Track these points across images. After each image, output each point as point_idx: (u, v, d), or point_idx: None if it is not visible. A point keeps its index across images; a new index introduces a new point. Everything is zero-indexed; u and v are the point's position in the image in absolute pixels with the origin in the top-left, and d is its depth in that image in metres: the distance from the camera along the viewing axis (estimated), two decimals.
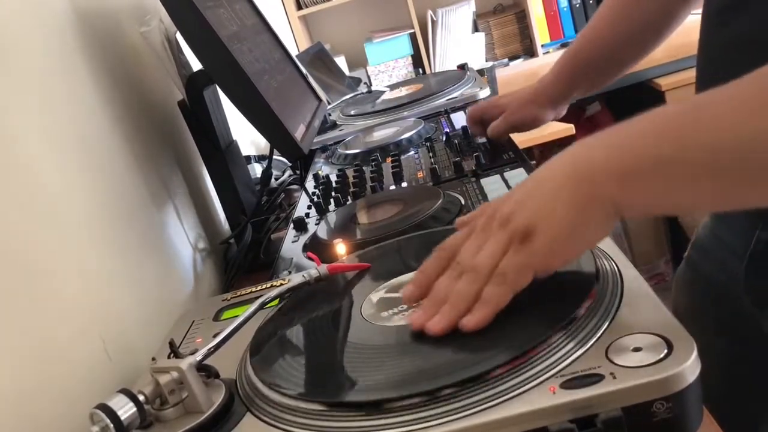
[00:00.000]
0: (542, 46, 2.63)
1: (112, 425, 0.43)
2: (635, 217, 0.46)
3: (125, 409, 0.44)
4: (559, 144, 2.45)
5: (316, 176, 1.06)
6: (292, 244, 0.82)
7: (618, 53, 0.89)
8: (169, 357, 0.50)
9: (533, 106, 0.94)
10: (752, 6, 0.60)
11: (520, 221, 0.46)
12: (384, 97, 1.47)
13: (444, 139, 1.06)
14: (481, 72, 1.47)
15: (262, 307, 0.55)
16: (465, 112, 1.21)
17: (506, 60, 2.67)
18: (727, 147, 0.40)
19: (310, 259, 0.73)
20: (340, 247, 0.70)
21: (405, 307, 0.52)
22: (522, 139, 1.72)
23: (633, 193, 0.43)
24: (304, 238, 0.82)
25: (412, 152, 1.06)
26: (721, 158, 0.40)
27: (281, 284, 0.60)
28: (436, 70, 2.61)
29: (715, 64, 0.67)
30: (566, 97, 0.94)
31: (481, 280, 0.46)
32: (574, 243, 0.45)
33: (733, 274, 0.69)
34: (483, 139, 0.99)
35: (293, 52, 1.53)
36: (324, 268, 0.60)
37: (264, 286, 0.67)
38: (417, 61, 2.69)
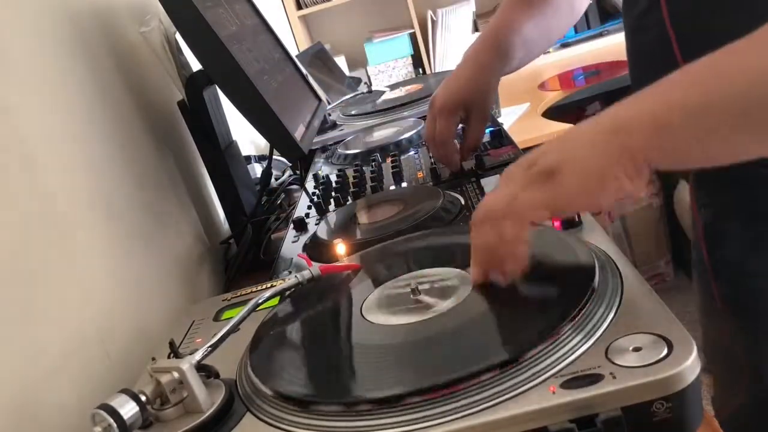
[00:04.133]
0: None
1: (115, 425, 0.43)
2: (668, 168, 0.46)
3: (127, 409, 0.44)
4: None
5: (316, 176, 1.06)
6: (292, 244, 0.82)
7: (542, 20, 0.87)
8: (169, 357, 0.50)
9: (494, 89, 0.86)
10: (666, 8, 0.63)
11: (548, 160, 0.46)
12: (384, 97, 1.47)
13: None
14: None
15: (255, 308, 0.55)
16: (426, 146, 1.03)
17: None
18: (750, 90, 0.41)
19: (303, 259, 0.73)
20: (340, 247, 0.70)
21: (405, 307, 0.52)
22: (522, 139, 1.72)
23: (666, 144, 0.43)
24: (304, 238, 0.82)
25: (412, 152, 1.06)
26: (746, 101, 0.41)
27: (273, 286, 0.60)
28: (436, 70, 2.61)
29: (644, 64, 0.70)
30: (500, 74, 0.86)
31: (498, 223, 0.46)
32: (597, 188, 0.45)
33: (700, 256, 0.71)
34: (484, 139, 0.98)
35: (293, 52, 1.53)
36: (316, 268, 0.61)
37: (264, 286, 0.68)
38: (417, 61, 2.69)
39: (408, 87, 1.49)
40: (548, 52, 2.62)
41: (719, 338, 0.74)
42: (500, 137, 0.99)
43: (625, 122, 0.45)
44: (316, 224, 0.86)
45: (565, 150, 0.46)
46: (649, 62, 0.69)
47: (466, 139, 0.88)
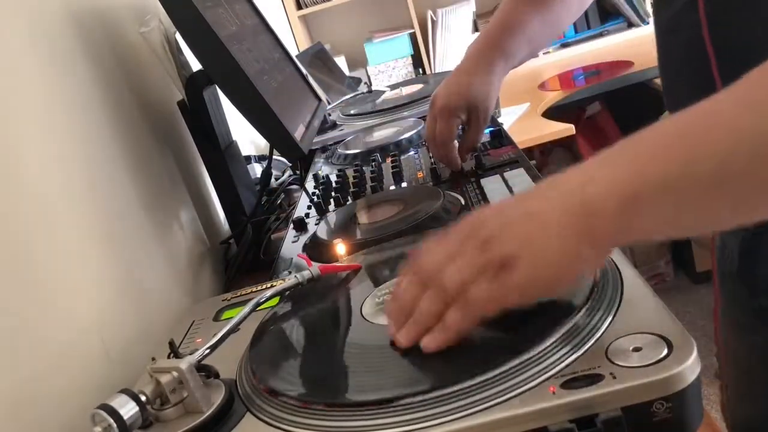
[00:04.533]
0: None
1: (115, 425, 0.43)
2: (632, 244, 0.44)
3: (127, 409, 0.44)
4: (560, 144, 2.45)
5: (316, 176, 1.06)
6: (292, 244, 0.82)
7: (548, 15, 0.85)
8: (168, 357, 0.50)
9: (496, 86, 0.85)
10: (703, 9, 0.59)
11: (501, 250, 0.42)
12: (384, 97, 1.47)
13: None
14: None
15: (255, 308, 0.55)
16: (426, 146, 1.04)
17: None
18: (739, 151, 0.37)
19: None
20: (340, 247, 0.70)
21: None
22: (522, 139, 1.72)
23: (637, 220, 0.39)
24: (304, 238, 0.82)
25: (412, 152, 1.06)
26: (733, 166, 0.37)
27: (273, 286, 0.60)
28: (436, 71, 2.61)
29: (674, 69, 0.67)
30: (511, 58, 0.86)
31: (445, 300, 0.44)
32: (554, 282, 0.43)
33: (733, 266, 0.68)
34: (483, 139, 0.99)
35: (293, 52, 1.53)
36: (316, 268, 0.61)
37: (264, 286, 0.68)
38: (417, 61, 2.69)
39: (408, 87, 1.49)
40: (548, 51, 2.63)
41: (739, 348, 0.74)
42: (500, 137, 0.99)
43: (589, 203, 0.40)
44: (316, 224, 0.86)
45: (519, 239, 0.42)
46: (679, 67, 0.66)
47: (464, 139, 0.87)
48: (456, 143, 0.87)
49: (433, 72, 2.60)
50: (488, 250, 0.43)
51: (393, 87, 1.55)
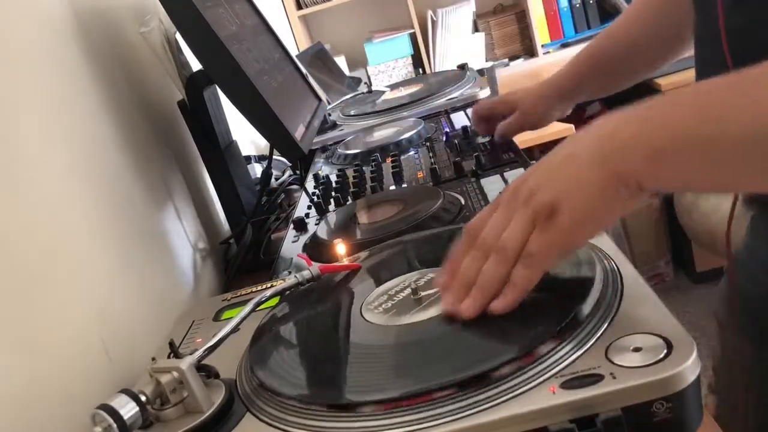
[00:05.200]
0: (542, 46, 2.63)
1: (115, 425, 0.43)
2: (663, 191, 0.47)
3: (127, 409, 0.44)
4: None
5: (316, 176, 1.06)
6: (292, 244, 0.82)
7: (637, 57, 0.88)
8: (169, 357, 0.50)
9: (543, 103, 0.92)
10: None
11: (545, 198, 0.45)
12: (384, 97, 1.47)
13: (444, 139, 1.06)
14: (481, 72, 1.46)
15: (256, 307, 0.55)
16: (466, 113, 1.21)
17: (506, 60, 2.67)
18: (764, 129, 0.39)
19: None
20: (340, 247, 0.70)
21: (406, 307, 0.52)
22: (522, 139, 1.72)
23: (662, 171, 0.42)
24: (304, 238, 0.82)
25: (412, 152, 1.06)
26: (759, 140, 0.39)
27: (273, 286, 0.60)
28: (436, 70, 2.61)
29: (712, 67, 0.66)
30: (577, 91, 0.92)
31: (509, 261, 0.46)
32: (597, 220, 0.45)
33: (764, 287, 0.68)
34: (484, 139, 0.99)
35: (293, 52, 1.53)
36: (316, 268, 0.61)
37: (264, 286, 0.68)
38: (417, 61, 2.69)
39: (408, 87, 1.49)
40: (548, 51, 2.63)
41: (745, 364, 0.74)
42: None
43: (618, 148, 0.43)
44: (316, 224, 0.86)
45: (558, 185, 0.45)
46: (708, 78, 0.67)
47: (501, 124, 0.94)
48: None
49: (433, 72, 2.60)
50: (533, 203, 0.45)
51: (393, 87, 1.55)
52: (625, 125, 0.44)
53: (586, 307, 0.44)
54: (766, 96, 0.39)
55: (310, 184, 1.06)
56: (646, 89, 2.17)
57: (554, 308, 0.45)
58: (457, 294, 0.47)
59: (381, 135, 1.17)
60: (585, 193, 0.44)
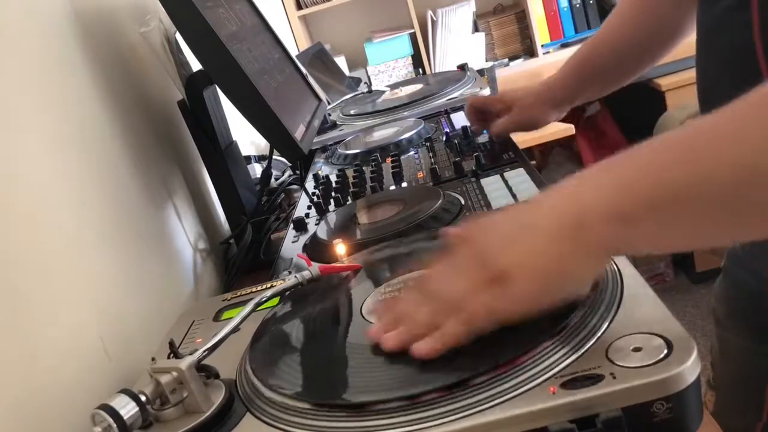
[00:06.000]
0: (542, 46, 2.63)
1: (115, 425, 0.43)
2: (632, 254, 0.46)
3: (127, 409, 0.44)
4: (559, 144, 2.45)
5: (316, 176, 1.06)
6: (292, 244, 0.82)
7: (627, 59, 0.88)
8: (168, 357, 0.50)
9: (540, 106, 0.93)
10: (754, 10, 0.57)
11: (499, 264, 0.44)
12: (384, 97, 1.47)
13: (444, 139, 1.06)
14: (481, 72, 1.47)
15: (256, 308, 0.55)
16: (464, 108, 1.21)
17: (506, 60, 2.67)
18: (727, 182, 0.37)
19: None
20: (340, 247, 0.70)
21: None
22: (522, 139, 1.72)
23: (626, 236, 0.41)
24: (304, 238, 0.82)
25: (412, 152, 1.06)
26: (714, 193, 0.38)
27: (273, 286, 0.60)
28: (436, 70, 2.61)
29: (717, 72, 0.65)
30: (572, 99, 0.93)
31: (445, 312, 0.45)
32: (551, 292, 0.44)
33: (763, 281, 0.68)
34: (483, 139, 0.99)
35: (293, 52, 1.53)
36: (316, 268, 0.61)
37: (264, 286, 0.67)
38: (417, 61, 2.69)
39: (408, 87, 1.49)
40: (548, 51, 2.63)
41: (743, 360, 0.74)
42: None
43: (583, 215, 0.41)
44: (316, 224, 0.86)
45: (517, 255, 0.44)
46: (723, 67, 0.63)
47: (499, 122, 0.95)
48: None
49: (433, 72, 2.60)
50: (487, 266, 0.45)
51: (393, 87, 1.55)
52: (586, 193, 0.42)
53: (587, 307, 0.44)
54: (708, 152, 0.38)
55: (310, 184, 1.06)
56: (647, 90, 2.17)
57: (554, 308, 0.45)
58: (385, 324, 0.47)
59: (381, 135, 1.17)
60: (544, 268, 0.43)
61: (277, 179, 1.20)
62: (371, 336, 0.47)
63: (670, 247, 0.45)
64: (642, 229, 0.40)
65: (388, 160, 1.04)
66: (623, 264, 0.50)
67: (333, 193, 0.93)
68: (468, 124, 1.04)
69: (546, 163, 2.54)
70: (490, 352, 0.42)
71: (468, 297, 0.44)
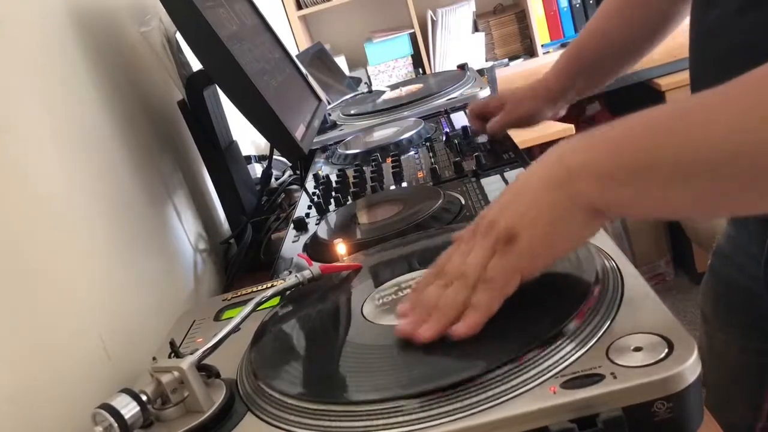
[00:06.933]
0: (542, 46, 2.63)
1: (116, 425, 0.43)
2: (620, 217, 0.47)
3: (129, 409, 0.44)
4: None
5: (316, 176, 1.06)
6: (292, 244, 0.82)
7: (617, 52, 0.89)
8: (169, 357, 0.50)
9: (532, 102, 0.94)
10: (751, 14, 0.57)
11: (502, 226, 0.46)
12: (384, 97, 1.47)
13: (444, 139, 1.06)
14: (481, 72, 1.47)
15: (257, 307, 0.55)
16: (465, 112, 1.21)
17: (506, 60, 2.67)
18: (705, 158, 0.39)
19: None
20: (341, 247, 0.70)
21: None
22: (522, 139, 1.72)
23: (612, 197, 0.43)
24: (304, 238, 0.82)
25: (412, 152, 1.06)
26: (696, 168, 0.40)
27: (274, 285, 0.60)
28: (436, 70, 2.61)
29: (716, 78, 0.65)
30: (565, 94, 0.94)
31: (470, 286, 0.46)
32: (556, 243, 0.46)
33: (753, 277, 0.68)
34: (483, 139, 0.99)
35: (293, 52, 1.53)
36: (317, 268, 0.61)
37: (264, 286, 0.68)
38: (417, 61, 2.69)
39: (408, 87, 1.49)
40: (548, 51, 2.63)
41: (731, 357, 0.74)
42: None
43: (567, 174, 0.44)
44: (316, 224, 0.86)
45: (515, 213, 0.46)
46: (719, 71, 0.61)
47: (494, 120, 0.95)
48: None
49: (433, 72, 2.60)
50: (492, 231, 0.47)
51: (393, 87, 1.55)
52: (572, 154, 0.45)
53: (587, 307, 0.44)
54: (697, 125, 0.40)
55: (310, 184, 1.06)
56: (647, 89, 2.17)
57: (555, 308, 0.45)
58: (417, 318, 0.47)
59: (381, 135, 1.17)
60: (541, 217, 0.45)
61: (277, 179, 1.20)
62: (402, 332, 0.47)
63: (654, 213, 0.46)
64: (626, 192, 0.42)
65: (389, 160, 1.04)
66: (624, 264, 0.50)
67: (333, 193, 0.93)
68: (468, 124, 1.04)
69: None
70: (491, 352, 0.42)
71: (485, 265, 0.46)
